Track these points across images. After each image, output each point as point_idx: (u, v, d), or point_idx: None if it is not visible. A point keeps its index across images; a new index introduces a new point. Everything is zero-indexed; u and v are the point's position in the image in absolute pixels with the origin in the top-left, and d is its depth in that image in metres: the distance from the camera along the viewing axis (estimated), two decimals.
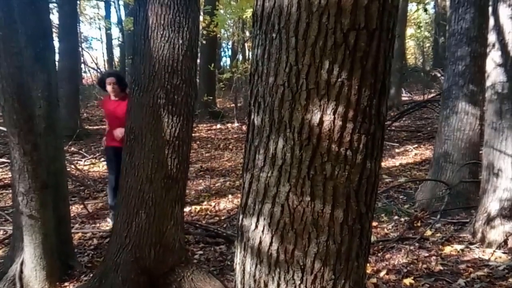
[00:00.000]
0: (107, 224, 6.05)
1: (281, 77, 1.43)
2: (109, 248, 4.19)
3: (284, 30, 1.41)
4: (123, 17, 19.25)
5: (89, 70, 24.55)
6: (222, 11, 14.34)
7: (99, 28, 27.64)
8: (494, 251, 4.66)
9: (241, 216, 1.60)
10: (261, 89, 1.48)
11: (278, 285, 1.50)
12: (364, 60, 1.39)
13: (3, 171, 9.06)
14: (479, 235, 4.93)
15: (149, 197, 4.00)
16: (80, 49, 18.07)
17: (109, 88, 5.67)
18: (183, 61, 4.02)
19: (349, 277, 1.52)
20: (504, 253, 4.65)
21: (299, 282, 1.48)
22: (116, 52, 26.75)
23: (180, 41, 4.00)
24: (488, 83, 5.00)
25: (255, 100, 1.51)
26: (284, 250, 1.48)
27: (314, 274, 1.48)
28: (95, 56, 26.63)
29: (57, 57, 10.80)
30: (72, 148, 10.94)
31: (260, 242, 1.52)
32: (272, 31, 1.44)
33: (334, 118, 1.40)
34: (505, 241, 4.73)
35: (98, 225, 6.19)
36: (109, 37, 25.10)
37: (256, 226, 1.52)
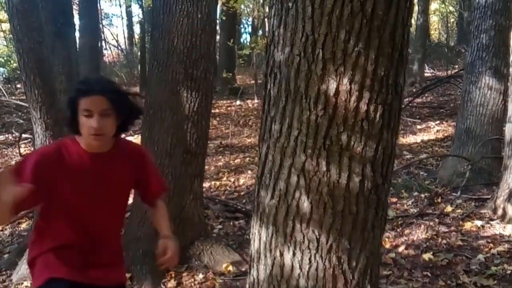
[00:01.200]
0: None
1: (297, 47, 1.42)
2: (130, 222, 4.26)
3: None
4: None
5: (109, 47, 24.67)
6: None
7: (119, 5, 27.61)
8: None
9: (257, 187, 1.62)
10: (277, 59, 1.48)
11: (294, 254, 1.52)
12: (381, 29, 1.38)
13: (27, 147, 9.22)
14: (500, 211, 4.88)
15: (168, 171, 4.05)
16: (100, 26, 18.15)
17: (90, 123, 1.92)
18: (202, 36, 4.02)
19: (364, 247, 1.53)
20: None
21: (314, 251, 1.49)
22: (137, 29, 26.83)
23: (199, 15, 3.99)
24: None
25: (271, 70, 1.51)
26: (300, 220, 1.49)
27: (330, 244, 1.49)
28: (115, 33, 26.71)
29: (77, 34, 10.86)
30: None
31: (276, 212, 1.53)
32: (288, 0, 1.42)
33: (351, 88, 1.39)
34: None
35: None
36: (129, 14, 25.13)
37: (272, 196, 1.53)
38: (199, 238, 4.25)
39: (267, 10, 19.22)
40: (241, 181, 6.93)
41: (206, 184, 6.46)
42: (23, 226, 5.51)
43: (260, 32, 19.66)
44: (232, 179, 7.03)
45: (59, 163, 1.96)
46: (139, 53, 19.96)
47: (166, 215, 2.26)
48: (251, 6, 18.90)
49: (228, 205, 5.63)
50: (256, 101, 13.15)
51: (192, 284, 3.97)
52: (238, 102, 13.29)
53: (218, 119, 11.83)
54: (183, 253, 4.15)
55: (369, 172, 1.46)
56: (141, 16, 18.52)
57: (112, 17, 24.91)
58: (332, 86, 1.39)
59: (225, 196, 6.25)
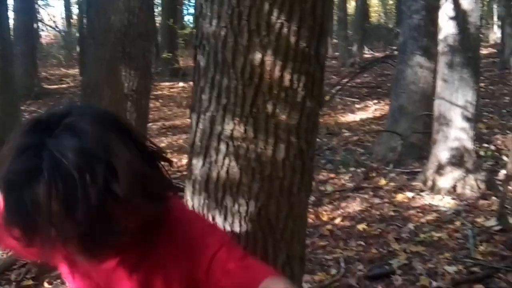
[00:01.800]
0: None
1: (223, 19, 1.48)
2: None
3: None
4: None
5: (46, 29, 23.77)
6: None
7: None
8: (442, 197, 4.91)
9: (189, 156, 1.68)
10: (205, 31, 1.53)
11: (225, 218, 1.59)
12: (303, 2, 1.45)
13: None
14: (429, 183, 5.17)
15: None
16: (36, 6, 17.45)
17: None
18: (139, 14, 4.01)
19: (292, 210, 1.63)
20: (452, 199, 4.91)
21: (244, 214, 1.58)
22: (75, 10, 25.98)
23: None
24: (441, 36, 5.15)
25: (200, 42, 1.56)
26: (230, 185, 1.57)
27: (259, 208, 1.57)
28: (52, 14, 25.73)
29: (11, 14, 10.43)
30: (31, 107, 10.73)
31: (208, 179, 1.60)
32: None
33: (275, 58, 1.47)
34: (454, 187, 4.98)
35: None
36: None
37: (203, 164, 1.60)
38: None
39: None
40: (184, 161, 6.95)
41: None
42: None
43: None
44: (175, 159, 7.04)
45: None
46: (77, 34, 19.40)
47: None
48: None
49: None
50: None
51: None
52: (181, 84, 13.21)
53: (160, 100, 11.74)
54: None
55: (294, 138, 1.55)
56: None
57: None
58: (258, 56, 1.46)
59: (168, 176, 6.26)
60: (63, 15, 25.73)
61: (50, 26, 22.60)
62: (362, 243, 4.13)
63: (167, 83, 13.58)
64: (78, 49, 17.02)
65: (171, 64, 14.19)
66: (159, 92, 12.34)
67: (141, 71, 4.08)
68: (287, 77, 1.49)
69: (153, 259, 1.06)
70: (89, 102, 4.04)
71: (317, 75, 1.56)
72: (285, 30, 1.45)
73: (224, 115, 1.52)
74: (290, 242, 1.65)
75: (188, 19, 26.17)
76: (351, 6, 22.79)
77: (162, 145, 7.99)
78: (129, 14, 3.97)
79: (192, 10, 25.86)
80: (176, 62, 14.70)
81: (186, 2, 25.52)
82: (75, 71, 15.70)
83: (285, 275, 1.65)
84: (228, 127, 1.52)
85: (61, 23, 25.40)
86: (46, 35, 23.95)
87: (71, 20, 24.97)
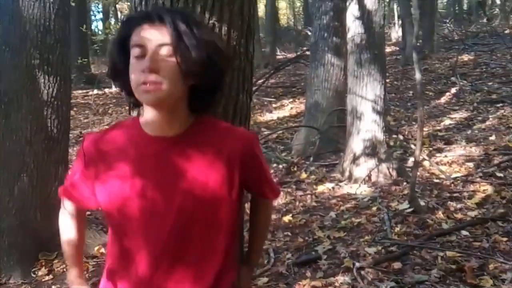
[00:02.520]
0: None
1: None
2: None
3: None
4: None
5: None
6: None
7: None
8: (359, 186, 5.24)
9: None
10: None
11: None
12: (231, 4, 1.59)
13: None
14: (347, 173, 5.49)
15: (30, 159, 3.96)
16: None
17: (141, 64, 1.20)
18: (55, 20, 3.96)
19: None
20: (368, 187, 5.25)
21: None
22: None
23: (51, 0, 3.92)
24: (349, 35, 5.49)
25: None
26: None
27: None
28: None
29: None
30: None
31: None
32: None
33: None
34: (369, 176, 5.33)
35: None
36: None
37: None
38: None
39: None
40: None
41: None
42: None
43: (113, 19, 19.14)
44: None
45: (103, 156, 1.33)
46: None
47: (265, 230, 1.69)
48: None
49: None
50: (114, 89, 12.90)
51: (64, 270, 3.95)
52: (95, 91, 12.92)
53: (75, 109, 11.42)
54: (53, 240, 4.10)
55: None
56: None
57: None
58: None
59: None
60: None
61: None
62: (289, 233, 4.34)
63: (80, 91, 13.23)
64: None
65: (86, 71, 13.85)
66: (73, 100, 11.99)
67: (61, 77, 4.02)
68: None
69: (197, 144, 1.30)
70: (6, 112, 3.94)
71: (247, 71, 1.70)
72: (216, 30, 1.58)
73: None
74: None
75: (96, 24, 25.55)
76: (260, 9, 23.29)
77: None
78: (45, 21, 3.91)
79: (100, 16, 25.28)
80: (89, 68, 14.36)
81: (94, 9, 24.91)
82: None
83: None
84: None
85: None
86: None
87: None
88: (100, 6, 23.42)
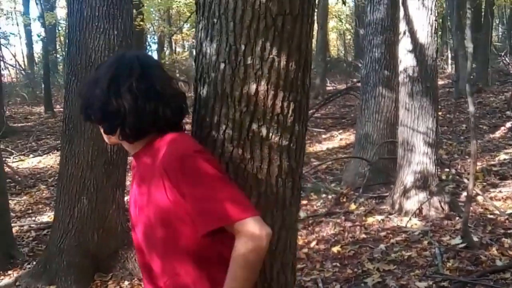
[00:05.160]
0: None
1: (222, 55, 1.70)
2: (52, 235, 4.30)
3: (223, 16, 1.68)
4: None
5: (7, 68, 23.59)
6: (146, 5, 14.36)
7: (17, 24, 26.53)
8: (410, 219, 5.17)
9: None
10: (205, 66, 1.75)
11: None
12: (290, 40, 1.69)
13: None
14: (397, 206, 5.44)
15: (90, 183, 4.16)
16: None
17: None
18: (118, 52, 4.20)
19: (285, 222, 1.83)
20: (419, 220, 5.18)
21: None
22: (36, 48, 25.93)
23: (115, 32, 4.17)
24: (401, 68, 5.51)
25: (200, 76, 1.77)
26: None
27: None
28: (13, 52, 25.57)
29: None
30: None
31: None
32: (213, 17, 1.71)
33: (267, 88, 1.69)
34: (419, 210, 5.26)
35: (34, 218, 6.20)
36: (28, 33, 24.24)
37: None
38: (123, 247, 4.38)
39: (173, 28, 19.46)
40: None
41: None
42: None
43: (167, 49, 19.83)
44: None
45: (133, 177, 1.69)
46: (41, 72, 19.33)
47: (236, 268, 1.41)
48: (156, 24, 19.02)
49: None
50: None
51: None
52: None
53: None
54: (108, 262, 4.25)
55: (285, 158, 1.76)
56: (43, 34, 17.90)
57: (9, 35, 23.71)
58: (252, 87, 1.68)
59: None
60: (25, 53, 25.56)
61: (11, 65, 22.47)
62: (338, 264, 4.33)
63: None
64: (42, 87, 16.97)
65: None
66: None
67: None
68: (278, 104, 1.71)
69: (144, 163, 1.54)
70: (70, 137, 4.17)
71: (303, 102, 1.79)
72: (275, 64, 1.68)
73: (223, 140, 1.72)
74: (283, 251, 1.84)
75: (151, 54, 26.41)
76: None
77: None
78: (109, 52, 4.15)
79: (155, 47, 26.14)
80: None
81: (149, 40, 25.82)
82: (39, 109, 15.62)
83: (280, 282, 1.85)
84: (228, 150, 1.72)
85: (22, 61, 25.25)
86: (7, 74, 23.73)
87: (34, 58, 24.88)
88: (155, 37, 24.29)
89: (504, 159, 7.26)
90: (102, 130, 1.56)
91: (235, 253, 1.41)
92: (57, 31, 23.62)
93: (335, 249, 4.61)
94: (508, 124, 9.38)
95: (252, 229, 1.40)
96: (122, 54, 1.60)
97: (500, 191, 5.77)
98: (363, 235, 4.93)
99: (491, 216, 5.03)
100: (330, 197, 6.21)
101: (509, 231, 4.58)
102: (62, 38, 24.25)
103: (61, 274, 4.05)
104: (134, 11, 13.20)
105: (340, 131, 11.00)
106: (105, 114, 1.50)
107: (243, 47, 1.67)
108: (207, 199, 1.41)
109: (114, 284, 4.14)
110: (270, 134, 1.72)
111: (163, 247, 1.49)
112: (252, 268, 1.44)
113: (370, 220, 5.29)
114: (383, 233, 4.94)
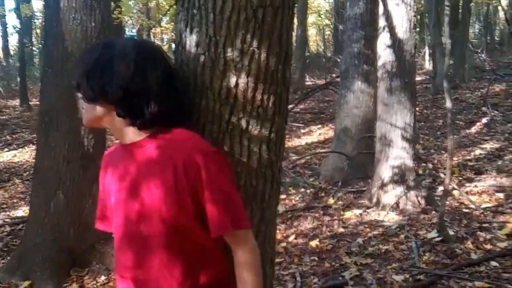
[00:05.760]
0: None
1: (202, 47, 1.68)
2: (27, 229, 4.23)
3: (203, 7, 1.66)
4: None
5: None
6: None
7: None
8: (387, 213, 5.22)
9: None
10: (185, 58, 1.72)
11: None
12: (270, 32, 1.68)
13: None
14: (374, 200, 5.49)
15: (66, 177, 4.10)
16: None
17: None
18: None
19: (263, 215, 1.82)
20: (396, 214, 5.23)
21: None
22: (12, 40, 25.48)
23: (93, 24, 4.11)
24: (379, 63, 5.55)
25: (180, 67, 1.75)
26: None
27: None
28: None
29: None
30: None
31: None
32: (193, 8, 1.69)
33: (248, 81, 1.67)
34: (397, 204, 5.31)
35: (8, 213, 6.09)
36: (3, 24, 23.75)
37: None
38: (99, 242, 4.33)
39: (151, 21, 19.26)
40: None
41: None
42: None
43: None
44: None
45: (107, 166, 1.59)
46: (16, 65, 18.99)
47: (246, 276, 1.45)
48: (135, 17, 18.81)
49: None
50: None
51: (95, 286, 4.04)
52: None
53: None
54: (84, 256, 4.20)
55: (265, 151, 1.75)
56: (19, 26, 17.55)
57: None
58: (232, 79, 1.67)
59: None
60: (0, 45, 25.07)
61: None
62: (316, 258, 4.35)
63: None
64: (18, 80, 16.64)
65: None
66: None
67: None
68: (258, 97, 1.70)
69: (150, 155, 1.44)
70: (46, 131, 4.10)
71: (283, 95, 1.78)
72: (256, 56, 1.67)
73: (203, 132, 1.70)
74: (262, 245, 1.83)
75: None
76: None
77: None
78: (86, 44, 4.08)
79: None
80: None
81: (128, 34, 25.53)
82: (15, 102, 15.35)
83: None
84: None
85: None
86: None
87: (8, 51, 24.41)
88: (134, 31, 24.03)
89: (480, 154, 7.38)
90: (94, 112, 1.44)
91: (248, 261, 1.46)
92: (33, 23, 23.17)
93: (313, 243, 4.63)
94: (483, 120, 9.53)
95: (252, 238, 1.51)
96: (136, 40, 1.59)
97: (476, 186, 5.86)
98: (341, 229, 4.96)
99: (467, 210, 5.11)
100: (308, 191, 6.23)
101: (484, 225, 4.66)
102: (38, 31, 23.84)
103: (37, 269, 3.99)
104: (112, 4, 13.05)
105: (319, 126, 11.04)
106: (128, 93, 1.40)
107: (223, 39, 1.65)
108: (228, 201, 1.44)
109: (90, 279, 4.09)
110: (250, 127, 1.71)
111: (146, 240, 1.45)
112: (261, 274, 1.51)
113: (348, 214, 5.33)
114: (360, 227, 4.98)
